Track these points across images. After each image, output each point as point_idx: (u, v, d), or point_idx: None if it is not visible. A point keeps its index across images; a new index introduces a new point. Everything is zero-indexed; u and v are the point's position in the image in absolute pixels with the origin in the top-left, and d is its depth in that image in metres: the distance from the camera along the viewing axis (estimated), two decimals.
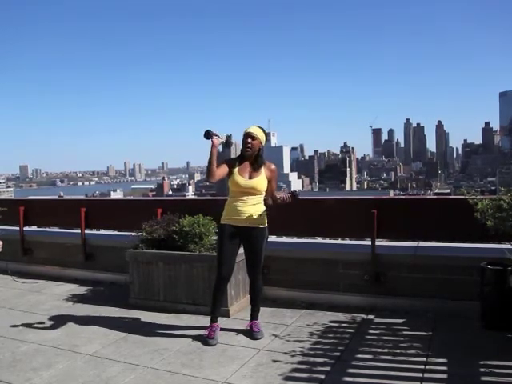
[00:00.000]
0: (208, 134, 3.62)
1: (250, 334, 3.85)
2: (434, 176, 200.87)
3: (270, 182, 3.82)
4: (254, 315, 3.97)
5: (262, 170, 3.78)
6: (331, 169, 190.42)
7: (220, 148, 3.78)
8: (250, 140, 3.73)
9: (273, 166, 3.87)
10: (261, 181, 3.76)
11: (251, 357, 3.45)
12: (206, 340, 3.74)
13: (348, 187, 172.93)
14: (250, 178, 3.74)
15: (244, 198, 3.74)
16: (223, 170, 3.71)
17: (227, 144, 3.69)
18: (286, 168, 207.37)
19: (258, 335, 3.81)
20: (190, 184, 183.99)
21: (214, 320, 3.85)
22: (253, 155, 3.76)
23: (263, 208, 3.82)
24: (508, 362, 3.17)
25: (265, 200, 3.85)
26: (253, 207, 3.75)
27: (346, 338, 3.74)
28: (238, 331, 3.96)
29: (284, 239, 5.65)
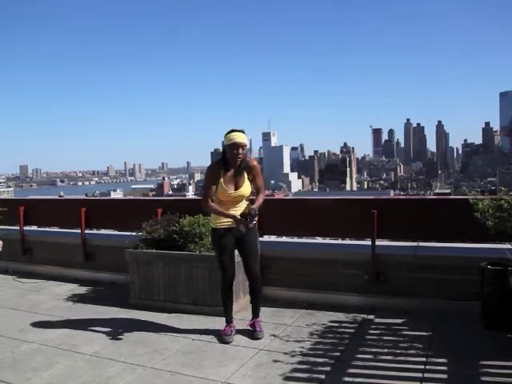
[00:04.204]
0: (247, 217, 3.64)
1: (252, 333, 3.86)
2: (434, 176, 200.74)
3: (253, 180, 3.79)
4: (256, 313, 3.97)
5: (244, 172, 3.76)
6: (331, 169, 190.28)
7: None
8: (240, 151, 3.65)
9: (253, 163, 3.79)
10: (247, 186, 3.77)
11: (251, 357, 3.45)
12: (222, 336, 3.79)
13: (348, 187, 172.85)
14: (237, 186, 3.72)
15: (234, 204, 3.76)
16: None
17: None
18: (286, 168, 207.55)
19: (260, 335, 3.81)
20: (190, 184, 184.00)
21: (230, 321, 3.91)
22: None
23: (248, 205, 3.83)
24: (508, 362, 3.17)
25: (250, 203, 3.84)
26: (242, 208, 3.77)
27: (346, 338, 3.74)
28: (238, 331, 3.95)
29: (284, 239, 5.66)
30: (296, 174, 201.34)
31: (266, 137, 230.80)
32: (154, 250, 4.71)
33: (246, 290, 4.53)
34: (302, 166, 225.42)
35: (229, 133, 3.68)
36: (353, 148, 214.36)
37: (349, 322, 4.11)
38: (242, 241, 3.79)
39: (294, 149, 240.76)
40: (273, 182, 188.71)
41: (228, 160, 3.71)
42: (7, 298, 5.22)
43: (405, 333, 3.82)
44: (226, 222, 3.75)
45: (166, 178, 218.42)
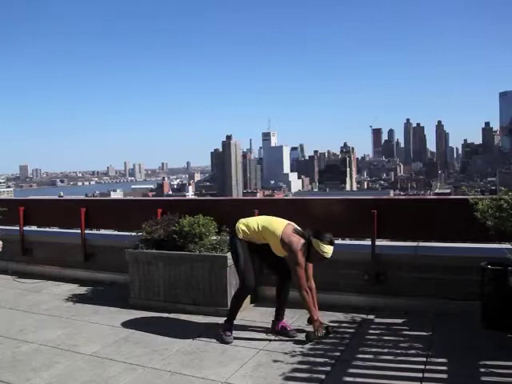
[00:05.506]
0: None
1: (286, 333, 3.87)
2: (434, 176, 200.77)
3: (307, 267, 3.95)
4: (284, 316, 4.02)
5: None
6: (331, 169, 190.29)
7: None
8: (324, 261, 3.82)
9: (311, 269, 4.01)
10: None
11: (251, 357, 3.45)
12: (222, 336, 3.80)
13: (348, 187, 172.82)
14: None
15: None
16: None
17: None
18: (286, 168, 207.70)
19: (295, 334, 3.85)
20: (190, 184, 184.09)
21: (231, 321, 3.92)
22: None
23: None
24: (508, 361, 3.17)
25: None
26: None
27: (346, 337, 3.74)
28: (237, 331, 3.95)
29: None
30: (296, 174, 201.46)
31: (266, 137, 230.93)
32: (153, 250, 4.71)
33: None
34: (301, 166, 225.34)
35: (326, 243, 3.72)
36: (353, 148, 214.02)
37: (349, 321, 4.11)
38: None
39: (293, 149, 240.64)
40: (273, 182, 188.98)
41: (309, 254, 3.81)
42: (7, 298, 5.22)
43: (405, 333, 3.82)
44: (257, 241, 3.89)
45: (166, 178, 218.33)
